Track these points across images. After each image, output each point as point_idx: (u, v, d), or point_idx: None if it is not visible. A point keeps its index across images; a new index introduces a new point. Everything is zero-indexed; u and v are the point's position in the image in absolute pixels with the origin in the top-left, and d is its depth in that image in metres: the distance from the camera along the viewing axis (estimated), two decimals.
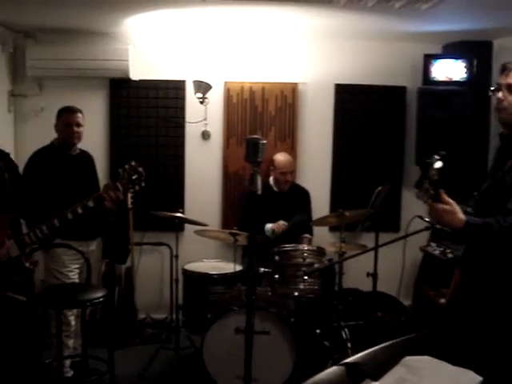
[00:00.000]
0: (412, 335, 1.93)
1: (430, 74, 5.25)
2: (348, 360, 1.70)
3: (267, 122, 5.60)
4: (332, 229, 5.56)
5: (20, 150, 5.25)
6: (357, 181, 5.65)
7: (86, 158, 4.55)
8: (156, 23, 4.97)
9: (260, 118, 5.60)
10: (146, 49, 5.49)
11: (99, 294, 3.64)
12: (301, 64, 5.61)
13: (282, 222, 4.98)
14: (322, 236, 5.44)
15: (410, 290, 5.51)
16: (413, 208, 5.19)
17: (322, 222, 4.85)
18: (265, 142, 2.71)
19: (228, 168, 5.62)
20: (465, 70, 5.20)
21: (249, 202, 5.07)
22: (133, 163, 3.83)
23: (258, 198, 2.78)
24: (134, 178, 3.81)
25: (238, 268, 4.61)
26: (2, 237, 3.50)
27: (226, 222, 5.59)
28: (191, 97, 5.45)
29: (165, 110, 5.55)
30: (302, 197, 5.35)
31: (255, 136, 2.78)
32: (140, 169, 3.82)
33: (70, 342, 4.24)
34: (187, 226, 5.34)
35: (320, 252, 4.45)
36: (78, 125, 4.27)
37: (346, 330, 4.52)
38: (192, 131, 5.57)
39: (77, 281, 4.28)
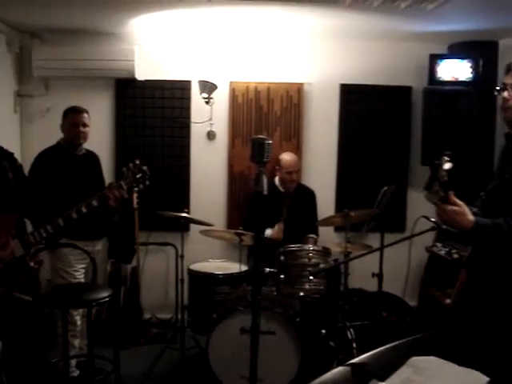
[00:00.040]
0: (418, 336, 1.92)
1: (436, 73, 5.25)
2: (354, 360, 1.69)
3: (272, 122, 5.61)
4: (337, 229, 5.56)
5: (26, 150, 5.27)
6: (362, 181, 5.64)
7: (92, 157, 4.55)
8: (162, 23, 4.97)
9: (265, 118, 5.60)
10: (152, 49, 5.50)
11: (105, 294, 3.65)
12: (306, 64, 5.60)
13: (280, 226, 4.97)
14: (328, 236, 5.44)
15: (415, 291, 5.51)
16: (418, 208, 5.20)
17: (327, 222, 4.85)
18: (270, 142, 2.70)
19: (233, 168, 5.62)
20: (470, 69, 5.19)
21: (254, 202, 5.07)
22: (137, 162, 3.82)
23: (264, 198, 2.77)
24: (138, 176, 3.81)
25: (244, 268, 4.61)
26: (6, 236, 3.50)
27: (232, 222, 5.59)
28: (197, 97, 5.45)
29: (170, 110, 5.56)
30: (307, 197, 5.35)
31: (261, 136, 2.78)
32: (144, 167, 3.82)
33: (76, 342, 4.25)
34: (193, 226, 5.34)
35: (325, 252, 4.45)
36: (84, 125, 4.28)
37: (351, 330, 4.51)
38: (197, 131, 5.58)
39: (83, 280, 4.29)
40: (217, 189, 5.66)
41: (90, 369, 4.01)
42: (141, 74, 5.39)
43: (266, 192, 2.70)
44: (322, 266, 4.30)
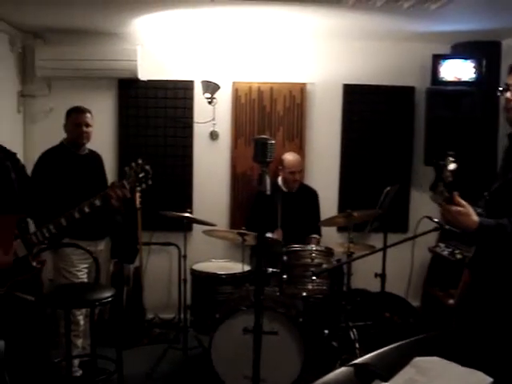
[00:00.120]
0: (421, 336, 1.92)
1: (439, 74, 5.24)
2: (357, 361, 1.69)
3: (275, 122, 5.60)
4: (340, 229, 5.55)
5: (29, 150, 5.28)
6: (365, 181, 5.64)
7: (95, 157, 4.56)
8: (164, 23, 4.98)
9: (268, 118, 5.60)
10: (155, 49, 5.50)
11: (108, 294, 3.64)
12: (309, 64, 5.60)
13: (279, 232, 4.97)
14: (330, 236, 5.43)
15: (418, 291, 5.51)
16: (421, 208, 5.23)
17: (330, 222, 4.85)
18: (273, 142, 2.70)
19: (236, 168, 5.62)
20: (473, 70, 5.19)
21: (257, 202, 5.06)
22: (139, 161, 3.82)
23: (267, 198, 2.77)
24: (140, 176, 3.81)
25: (247, 268, 4.61)
26: (9, 236, 3.50)
27: (234, 222, 5.59)
28: (199, 97, 5.46)
29: (173, 111, 5.56)
30: (310, 197, 5.35)
31: (264, 136, 2.77)
32: (147, 167, 3.81)
33: (79, 342, 4.25)
34: (195, 226, 5.35)
35: (328, 252, 4.45)
36: (87, 125, 4.29)
37: (354, 330, 4.51)
38: (200, 131, 5.58)
39: (85, 280, 4.30)
40: (220, 189, 5.67)
41: (92, 369, 4.01)
42: (144, 74, 5.40)
43: (269, 192, 2.69)
44: (324, 266, 4.30)
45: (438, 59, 5.24)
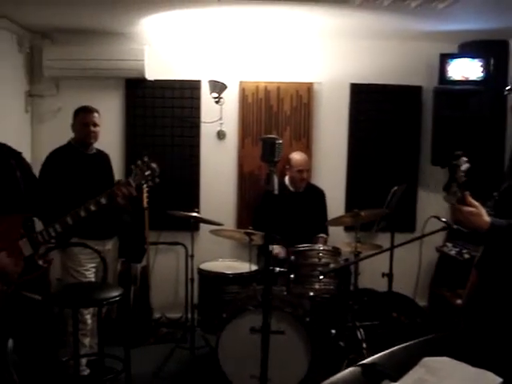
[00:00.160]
0: (430, 336, 1.92)
1: (447, 73, 5.23)
2: (365, 361, 1.69)
3: (282, 121, 5.60)
4: (347, 229, 5.54)
5: (37, 150, 5.30)
6: (372, 180, 5.63)
7: (103, 157, 4.57)
8: (171, 23, 4.98)
9: (275, 117, 5.60)
10: (162, 49, 5.51)
11: (115, 293, 3.65)
12: (316, 64, 5.60)
13: (284, 250, 4.89)
14: (338, 236, 5.43)
15: (425, 291, 5.50)
16: (429, 208, 5.23)
17: (337, 221, 4.85)
18: (281, 141, 2.70)
19: (243, 168, 5.62)
20: (481, 69, 5.17)
21: (264, 202, 5.06)
22: (145, 159, 3.80)
23: (274, 197, 2.77)
24: (147, 173, 3.79)
25: (254, 268, 4.60)
26: (15, 235, 3.50)
27: (241, 222, 5.59)
28: (206, 97, 5.46)
29: (180, 110, 5.56)
30: (317, 197, 5.35)
31: (272, 136, 2.78)
32: (153, 164, 3.79)
33: (87, 341, 4.27)
34: (202, 226, 5.36)
35: (335, 252, 4.45)
36: (95, 124, 4.30)
37: (361, 330, 4.50)
38: (207, 131, 5.59)
39: (93, 280, 4.30)
40: (227, 188, 5.67)
41: (100, 368, 4.02)
42: (151, 74, 5.40)
43: (276, 191, 2.70)
44: (332, 265, 4.30)
45: (445, 58, 5.23)
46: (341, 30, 5.12)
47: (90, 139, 4.30)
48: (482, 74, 5.18)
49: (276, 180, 2.67)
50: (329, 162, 5.68)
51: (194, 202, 5.50)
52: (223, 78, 5.32)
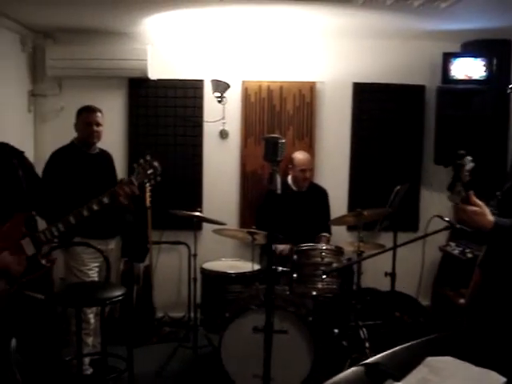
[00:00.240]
0: (432, 336, 1.91)
1: (449, 72, 5.22)
2: (368, 360, 1.69)
3: (285, 121, 5.60)
4: (350, 228, 5.55)
5: (40, 150, 5.31)
6: (375, 180, 5.63)
7: (106, 157, 4.57)
8: (174, 23, 4.98)
9: (278, 116, 5.60)
10: (165, 48, 5.51)
11: (118, 293, 3.66)
12: (319, 63, 5.60)
13: (288, 247, 4.90)
14: (340, 235, 5.43)
15: (428, 290, 5.49)
16: (432, 207, 5.22)
17: (340, 221, 4.85)
18: (284, 141, 2.71)
19: (246, 167, 5.62)
20: (484, 68, 5.16)
21: (267, 201, 5.06)
22: (148, 157, 3.78)
23: (277, 197, 2.77)
24: (149, 172, 3.77)
25: (256, 267, 4.60)
26: (17, 235, 3.50)
27: (244, 221, 5.59)
28: (209, 96, 5.46)
29: (183, 110, 5.57)
30: (320, 196, 5.35)
31: (274, 135, 2.78)
32: (155, 163, 3.77)
33: (90, 340, 4.27)
34: (205, 225, 5.35)
35: (338, 251, 4.45)
36: (98, 124, 4.30)
37: (363, 329, 4.50)
38: (210, 130, 5.59)
39: (96, 279, 4.31)
40: (229, 188, 5.67)
41: (103, 367, 4.02)
42: (153, 74, 5.41)
43: (279, 191, 2.70)
44: (334, 265, 4.30)
45: (448, 57, 5.22)
46: (344, 29, 5.12)
47: (92, 139, 4.30)
48: (484, 73, 5.17)
49: (279, 179, 2.68)
50: (332, 162, 5.68)
51: (196, 201, 5.50)
52: (226, 78, 5.32)
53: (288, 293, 4.27)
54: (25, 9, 4.53)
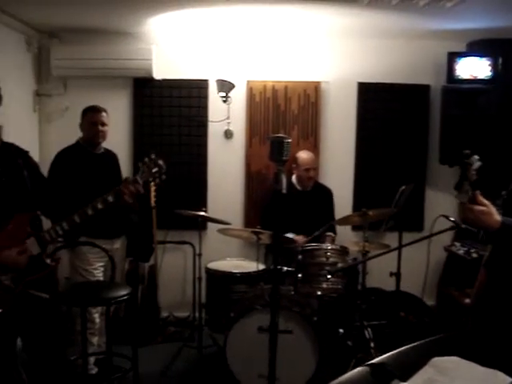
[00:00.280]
0: (438, 336, 1.91)
1: (455, 72, 5.21)
2: (373, 361, 1.69)
3: (290, 120, 5.60)
4: (355, 228, 5.54)
5: (45, 149, 5.32)
6: (380, 179, 5.62)
7: (111, 156, 4.58)
8: (179, 23, 4.99)
9: (283, 116, 5.59)
10: (169, 48, 5.51)
11: (123, 292, 3.66)
12: (323, 63, 5.59)
13: (302, 238, 4.92)
14: (345, 235, 5.42)
15: (433, 290, 5.48)
16: (437, 207, 5.22)
17: (345, 221, 4.84)
18: (289, 140, 2.71)
19: (251, 167, 5.62)
20: (489, 68, 5.15)
21: (273, 201, 5.05)
22: (152, 156, 3.76)
23: (283, 196, 2.77)
24: (154, 171, 3.74)
25: (261, 267, 4.59)
26: (22, 234, 3.51)
27: (249, 221, 5.59)
28: (214, 96, 5.47)
29: (188, 109, 5.57)
30: (325, 195, 5.34)
31: (280, 135, 2.79)
32: (160, 161, 3.74)
33: (95, 340, 4.28)
34: (210, 225, 5.35)
35: (343, 251, 4.44)
36: (103, 124, 4.31)
37: (369, 329, 4.49)
38: (215, 130, 5.59)
39: (101, 279, 4.32)
40: (234, 187, 5.67)
41: (108, 366, 4.03)
42: (158, 73, 5.42)
43: (285, 190, 2.70)
44: (339, 265, 4.29)
45: (453, 57, 5.21)
46: (349, 29, 5.12)
47: (98, 138, 4.31)
48: (490, 73, 5.16)
49: (284, 179, 2.68)
50: (336, 161, 5.67)
51: (201, 201, 5.51)
52: (231, 78, 5.32)
53: (293, 293, 4.26)
54: (30, 9, 4.54)
